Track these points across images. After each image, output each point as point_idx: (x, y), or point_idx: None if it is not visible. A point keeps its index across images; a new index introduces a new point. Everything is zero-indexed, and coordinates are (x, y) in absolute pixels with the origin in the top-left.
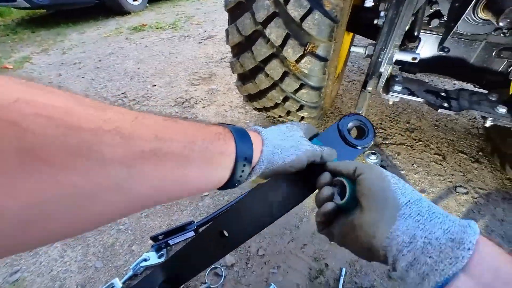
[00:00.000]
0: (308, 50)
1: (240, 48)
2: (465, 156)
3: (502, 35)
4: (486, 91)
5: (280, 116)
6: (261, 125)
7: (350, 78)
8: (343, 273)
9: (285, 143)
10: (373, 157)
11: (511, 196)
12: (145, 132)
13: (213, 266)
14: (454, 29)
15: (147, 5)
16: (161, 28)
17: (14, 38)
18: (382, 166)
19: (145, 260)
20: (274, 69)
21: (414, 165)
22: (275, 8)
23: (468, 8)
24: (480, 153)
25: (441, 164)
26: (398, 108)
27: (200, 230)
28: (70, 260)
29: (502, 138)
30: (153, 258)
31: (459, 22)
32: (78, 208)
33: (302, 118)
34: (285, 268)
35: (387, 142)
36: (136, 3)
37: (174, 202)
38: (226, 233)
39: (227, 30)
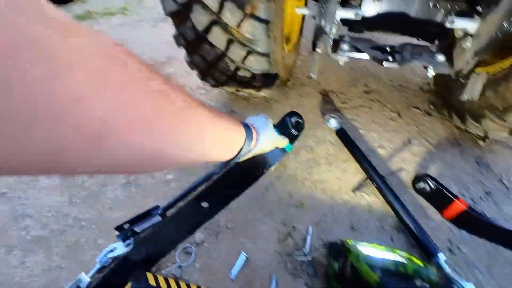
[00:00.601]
0: (248, 12)
1: (180, 18)
2: (419, 111)
3: None
4: (429, 44)
5: (237, 90)
6: (223, 103)
7: (310, 49)
8: (309, 232)
9: (267, 135)
10: (332, 121)
11: (459, 142)
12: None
13: (183, 246)
14: None
15: None
16: (110, 14)
17: None
18: (342, 128)
19: (111, 251)
20: (217, 37)
21: (372, 124)
22: None
23: None
24: (432, 107)
25: (397, 121)
26: (356, 74)
27: (167, 213)
28: (32, 265)
29: (447, 90)
30: (120, 248)
31: None
32: None
33: (259, 88)
34: (255, 236)
35: (346, 106)
36: None
37: (137, 190)
38: (205, 205)
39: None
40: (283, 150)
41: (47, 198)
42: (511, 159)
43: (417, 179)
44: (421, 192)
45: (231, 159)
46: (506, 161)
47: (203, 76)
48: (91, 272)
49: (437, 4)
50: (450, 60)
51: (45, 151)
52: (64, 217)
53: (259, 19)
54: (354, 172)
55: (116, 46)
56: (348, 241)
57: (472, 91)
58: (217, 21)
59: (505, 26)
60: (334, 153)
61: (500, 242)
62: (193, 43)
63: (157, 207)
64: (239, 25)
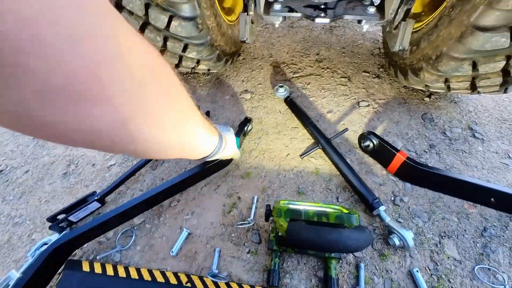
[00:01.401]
0: None
1: None
2: (368, 75)
3: None
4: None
5: (177, 66)
6: None
7: (264, 23)
8: (254, 201)
9: (232, 145)
10: (281, 90)
11: (406, 101)
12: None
13: (123, 230)
14: None
15: None
16: None
17: None
18: (290, 97)
19: (45, 244)
20: (133, 2)
21: (322, 91)
22: None
23: None
24: (381, 70)
25: (346, 85)
26: (308, 43)
27: (106, 199)
28: None
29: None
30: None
31: None
32: None
33: (198, 62)
34: (199, 211)
35: (297, 75)
36: None
37: (77, 179)
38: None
39: None
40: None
41: None
42: (454, 113)
43: (362, 137)
44: (366, 149)
45: (204, 157)
46: (450, 115)
47: None
48: (23, 268)
49: None
50: (381, 12)
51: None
52: None
53: None
54: (302, 139)
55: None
56: (281, 202)
57: (402, 39)
58: None
59: None
60: (283, 121)
61: (439, 189)
62: None
63: (93, 193)
64: None
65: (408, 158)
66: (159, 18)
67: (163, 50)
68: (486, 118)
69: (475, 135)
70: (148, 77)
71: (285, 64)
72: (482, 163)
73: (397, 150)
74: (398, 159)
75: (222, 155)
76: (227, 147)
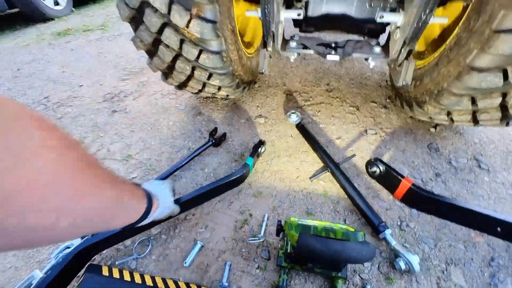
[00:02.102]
0: (195, 13)
1: (135, 22)
2: (375, 105)
3: None
4: (370, 38)
5: (200, 91)
6: (191, 106)
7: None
8: (265, 218)
9: (165, 207)
10: (293, 116)
11: (412, 130)
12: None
13: (140, 239)
14: None
15: (73, 9)
16: (88, 30)
17: None
18: (302, 123)
19: (68, 247)
20: (170, 37)
21: (332, 118)
22: None
23: None
24: (388, 100)
25: (355, 114)
26: (319, 74)
27: None
28: None
29: (392, 80)
30: (78, 244)
31: None
32: None
33: (219, 88)
34: (212, 225)
35: (309, 103)
36: (59, 7)
37: None
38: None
39: (117, 6)
40: (246, 165)
41: None
42: (459, 143)
43: (369, 163)
44: (373, 175)
45: (131, 224)
46: (455, 145)
47: (166, 77)
48: (45, 269)
49: (372, 3)
50: (386, 51)
51: None
52: None
53: (205, 20)
54: (312, 162)
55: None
56: (292, 219)
57: (405, 76)
58: (168, 23)
59: (423, 17)
60: (295, 145)
61: (445, 216)
62: (150, 45)
63: None
64: (187, 26)
65: (413, 184)
66: (191, 52)
67: (190, 76)
68: (492, 150)
69: (480, 166)
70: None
71: (297, 92)
72: (488, 193)
73: (403, 177)
74: (404, 185)
75: (155, 218)
76: (160, 208)
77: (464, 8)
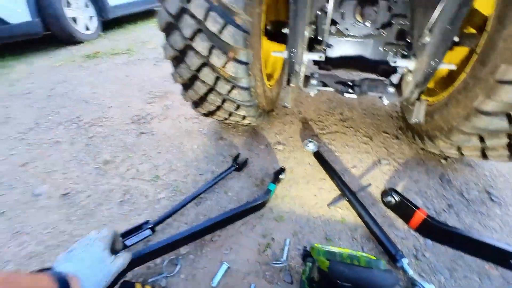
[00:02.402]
0: (230, 56)
1: (177, 61)
2: (388, 135)
3: (382, 33)
4: (383, 78)
5: (225, 119)
6: (213, 131)
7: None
8: (287, 243)
9: (97, 279)
10: (310, 144)
11: (424, 161)
12: None
13: (170, 257)
14: (347, 32)
15: (100, 33)
16: (115, 54)
17: None
18: (319, 152)
19: None
20: (207, 75)
21: (346, 147)
22: (198, 26)
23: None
24: (399, 131)
25: (368, 144)
26: (333, 104)
27: (157, 228)
28: None
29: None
30: None
31: (349, 26)
32: None
33: (244, 117)
34: (237, 248)
35: (324, 132)
36: (88, 32)
37: (131, 208)
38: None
39: (163, 47)
40: (269, 191)
41: (45, 216)
42: (470, 176)
43: (384, 193)
44: (388, 204)
45: None
46: (466, 177)
47: (196, 106)
48: None
49: (386, 48)
50: (399, 90)
51: None
52: (60, 233)
53: (240, 62)
54: (329, 190)
55: None
56: (316, 245)
57: (417, 114)
58: (206, 63)
59: (433, 64)
60: (312, 173)
61: (459, 248)
62: (187, 80)
63: (147, 222)
64: (224, 66)
65: (428, 216)
66: (224, 87)
67: (219, 107)
68: (502, 183)
69: (492, 199)
70: None
71: (313, 121)
72: (501, 226)
73: (417, 208)
74: (419, 216)
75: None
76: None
77: (470, 52)
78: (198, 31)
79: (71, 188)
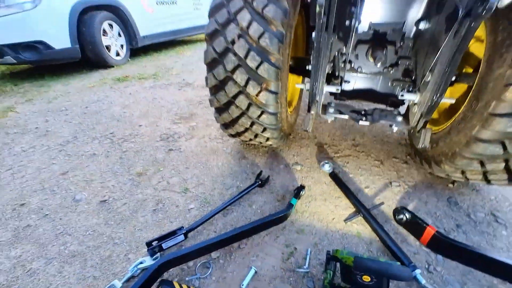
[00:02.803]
0: (264, 87)
1: (216, 89)
2: (397, 160)
3: (390, 71)
4: (392, 108)
5: (250, 140)
6: (236, 150)
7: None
8: (308, 252)
9: None
10: (326, 166)
11: (432, 185)
12: None
13: (202, 261)
14: (360, 69)
15: (129, 59)
16: (143, 78)
17: None
18: (334, 172)
19: (141, 263)
20: (242, 101)
21: (360, 169)
22: (239, 62)
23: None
24: (408, 157)
25: (380, 167)
26: (345, 130)
27: (189, 234)
28: (68, 274)
29: (412, 142)
30: (149, 261)
31: (362, 65)
32: None
33: (268, 139)
34: (263, 255)
35: (338, 155)
36: (118, 58)
37: (164, 216)
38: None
39: (206, 77)
40: (291, 205)
41: (86, 220)
42: (476, 199)
43: (396, 211)
44: (400, 221)
45: None
46: (473, 201)
47: (226, 127)
48: (123, 280)
49: (393, 83)
50: (407, 120)
51: None
52: (99, 235)
53: (271, 91)
54: (345, 207)
55: None
56: (337, 250)
57: (423, 141)
58: (242, 92)
59: (435, 98)
60: (328, 191)
61: (468, 263)
62: (223, 104)
63: (181, 228)
64: (257, 95)
65: (437, 231)
66: (255, 112)
67: (247, 129)
68: (507, 207)
69: (498, 221)
70: None
71: (327, 145)
72: (507, 246)
73: (427, 224)
74: (429, 232)
75: None
76: None
77: (468, 87)
78: (238, 65)
79: (108, 195)
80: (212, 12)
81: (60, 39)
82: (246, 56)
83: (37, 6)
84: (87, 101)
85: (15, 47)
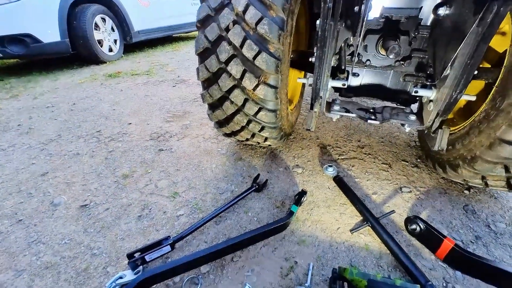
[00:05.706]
0: (262, 80)
1: (209, 82)
2: (407, 163)
3: (402, 65)
4: (403, 106)
5: (247, 139)
6: (232, 151)
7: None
8: (311, 267)
9: None
10: (330, 169)
11: (446, 191)
12: None
13: (190, 276)
14: (369, 63)
15: (123, 55)
16: (136, 74)
17: None
18: (339, 177)
19: (120, 277)
20: (237, 96)
21: (366, 173)
22: (234, 51)
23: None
24: (418, 160)
25: (388, 171)
26: (350, 130)
27: (176, 245)
28: None
29: (425, 143)
30: (129, 276)
31: (371, 57)
32: None
33: (266, 139)
34: (259, 270)
35: (342, 157)
36: (111, 53)
37: (149, 223)
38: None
39: (197, 69)
40: (291, 212)
41: (63, 226)
42: (495, 207)
43: (409, 220)
44: (413, 232)
45: None
46: (492, 209)
47: (220, 126)
48: None
49: (405, 78)
50: (420, 119)
51: None
52: (76, 245)
53: (270, 85)
54: (351, 215)
55: None
56: (345, 268)
57: (440, 142)
58: (237, 85)
59: (454, 95)
60: (332, 197)
61: (491, 281)
62: (217, 100)
63: (167, 238)
64: (254, 89)
65: (456, 245)
66: (252, 109)
67: (243, 128)
68: None
69: None
70: None
71: (331, 147)
72: None
73: (444, 236)
74: (446, 245)
75: None
76: None
77: (486, 84)
78: (233, 56)
79: (89, 200)
80: None
81: (48, 32)
82: (241, 45)
83: None
84: (75, 97)
85: (1, 41)
